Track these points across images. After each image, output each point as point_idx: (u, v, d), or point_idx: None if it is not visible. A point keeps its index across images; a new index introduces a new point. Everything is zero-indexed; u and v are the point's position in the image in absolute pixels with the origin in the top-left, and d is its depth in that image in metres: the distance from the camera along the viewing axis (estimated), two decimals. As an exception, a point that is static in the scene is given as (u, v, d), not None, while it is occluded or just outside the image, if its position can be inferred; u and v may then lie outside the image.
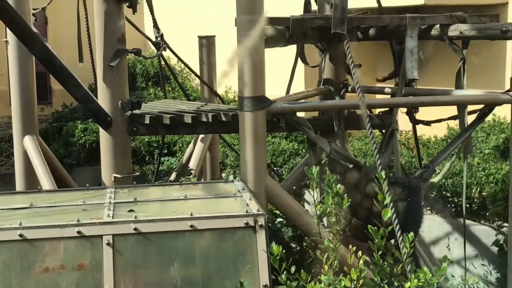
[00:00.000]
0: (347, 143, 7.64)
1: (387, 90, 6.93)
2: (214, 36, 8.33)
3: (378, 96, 7.48)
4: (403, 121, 6.97)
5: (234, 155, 10.05)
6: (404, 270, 4.30)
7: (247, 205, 4.91)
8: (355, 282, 4.05)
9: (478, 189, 8.10)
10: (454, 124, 8.94)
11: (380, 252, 4.17)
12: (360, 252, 4.29)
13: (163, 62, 8.56)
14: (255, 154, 5.56)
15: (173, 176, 8.34)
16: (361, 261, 4.16)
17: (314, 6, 6.93)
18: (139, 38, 7.80)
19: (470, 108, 6.20)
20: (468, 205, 8.00)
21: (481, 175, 8.21)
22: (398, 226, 4.74)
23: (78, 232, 4.50)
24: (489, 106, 6.01)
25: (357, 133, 10.77)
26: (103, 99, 6.41)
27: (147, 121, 6.45)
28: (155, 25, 7.21)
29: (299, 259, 6.18)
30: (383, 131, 6.70)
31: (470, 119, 6.19)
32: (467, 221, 7.80)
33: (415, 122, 6.93)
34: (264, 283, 4.49)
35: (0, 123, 13.34)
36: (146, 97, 12.62)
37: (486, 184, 8.10)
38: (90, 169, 10.96)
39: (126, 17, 6.61)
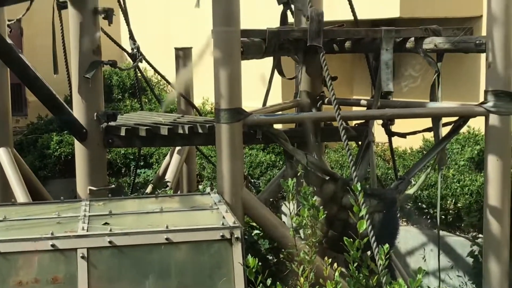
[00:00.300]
0: (323, 155, 7.66)
1: (363, 102, 6.97)
2: (190, 48, 8.33)
3: (354, 108, 7.52)
4: (379, 133, 7.01)
5: (211, 167, 10.03)
6: (380, 282, 4.31)
7: (223, 217, 4.90)
8: (331, 294, 4.05)
9: (453, 200, 8.16)
10: (430, 136, 9.00)
11: (355, 264, 4.17)
12: (336, 264, 4.29)
13: (139, 74, 8.54)
14: (232, 166, 5.55)
15: (149, 189, 8.30)
16: (336, 273, 4.16)
17: (290, 19, 6.96)
18: (115, 50, 7.77)
19: (445, 120, 6.25)
20: (443, 217, 8.05)
21: (456, 187, 8.27)
22: (373, 238, 4.75)
23: (52, 245, 4.46)
24: (463, 118, 6.06)
25: (334, 144, 10.80)
26: (78, 111, 6.37)
27: (123, 133, 6.42)
28: (131, 37, 7.21)
29: (276, 271, 6.16)
30: (360, 143, 6.73)
31: (445, 131, 6.24)
32: (443, 232, 7.84)
33: (390, 134, 6.97)
34: (240, 296, 4.48)
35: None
36: (122, 108, 12.55)
37: (461, 196, 8.16)
38: (66, 181, 10.85)
39: (102, 29, 6.59)
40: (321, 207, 4.53)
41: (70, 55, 6.46)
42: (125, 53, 7.46)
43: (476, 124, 8.98)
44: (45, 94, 6.28)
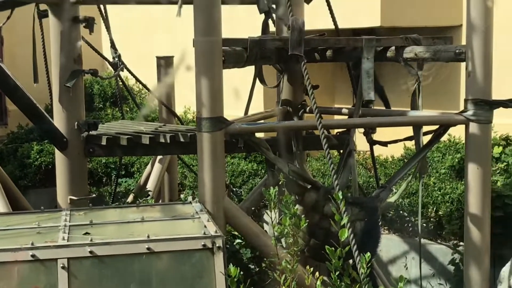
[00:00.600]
0: (305, 163, 7.67)
1: (345, 111, 6.99)
2: (172, 57, 8.33)
3: (335, 117, 7.55)
4: (360, 142, 7.03)
5: (193, 176, 10.01)
6: (362, 290, 4.31)
7: (205, 226, 4.89)
8: (313, 303, 4.05)
9: (434, 208, 8.20)
10: (411, 144, 9.04)
11: (337, 273, 4.17)
12: (317, 273, 4.29)
13: (120, 83, 8.51)
14: (213, 175, 5.54)
15: (130, 198, 8.26)
16: (318, 282, 4.16)
17: (272, 28, 6.98)
18: (97, 58, 7.74)
19: (426, 128, 6.29)
20: (424, 224, 8.09)
21: (437, 195, 8.32)
22: (355, 246, 4.76)
23: (33, 255, 4.41)
24: (444, 126, 6.10)
25: (316, 153, 10.82)
26: (59, 120, 6.34)
27: (104, 142, 6.39)
28: (113, 45, 7.18)
29: (258, 280, 6.16)
30: (341, 151, 6.75)
31: (426, 139, 6.28)
32: (424, 241, 7.88)
33: (372, 142, 7.00)
34: (222, 305, 4.46)
35: (-47, 144, 13.07)
36: (103, 117, 12.50)
37: (442, 204, 8.20)
38: (46, 191, 10.78)
39: (83, 37, 6.56)
40: (302, 216, 4.53)
41: (51, 64, 6.43)
42: (107, 62, 7.43)
43: (457, 133, 9.03)
44: (25, 103, 6.24)
